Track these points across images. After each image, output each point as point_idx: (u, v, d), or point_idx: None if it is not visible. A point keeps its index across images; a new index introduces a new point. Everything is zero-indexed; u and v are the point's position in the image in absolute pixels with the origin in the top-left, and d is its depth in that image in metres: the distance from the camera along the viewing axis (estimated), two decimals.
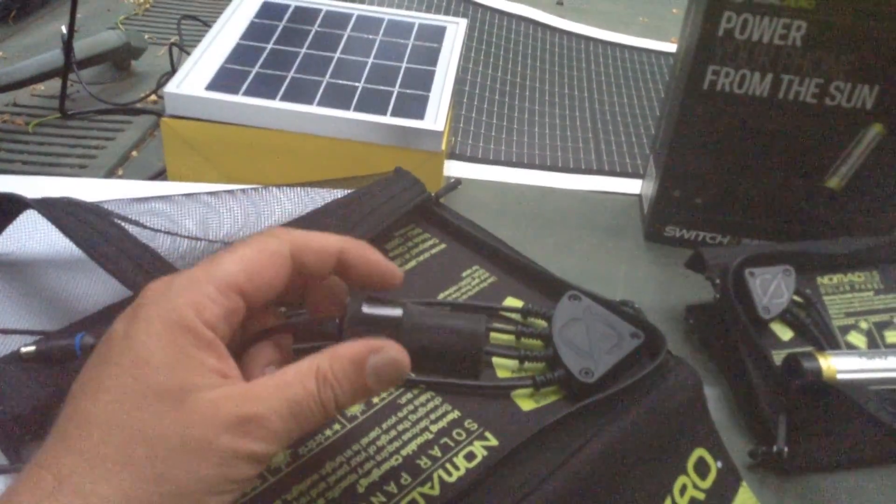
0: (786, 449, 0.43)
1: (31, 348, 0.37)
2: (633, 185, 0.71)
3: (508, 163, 0.73)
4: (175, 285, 0.27)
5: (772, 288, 0.49)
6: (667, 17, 1.14)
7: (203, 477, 0.24)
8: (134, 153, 0.73)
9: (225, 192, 0.50)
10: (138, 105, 0.79)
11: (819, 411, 0.44)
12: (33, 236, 0.46)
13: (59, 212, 0.40)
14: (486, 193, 0.68)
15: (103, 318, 0.41)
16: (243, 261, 0.28)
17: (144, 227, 0.43)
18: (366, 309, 0.31)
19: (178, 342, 0.25)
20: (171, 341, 0.25)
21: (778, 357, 0.47)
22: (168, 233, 0.44)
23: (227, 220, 0.48)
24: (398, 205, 0.47)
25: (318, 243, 0.30)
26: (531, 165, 0.73)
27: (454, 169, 0.71)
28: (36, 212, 0.41)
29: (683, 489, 0.38)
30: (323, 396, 0.27)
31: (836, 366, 0.44)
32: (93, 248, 0.39)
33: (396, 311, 0.31)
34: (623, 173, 0.74)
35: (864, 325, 0.50)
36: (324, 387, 0.27)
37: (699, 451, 0.40)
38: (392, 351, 0.28)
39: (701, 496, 0.39)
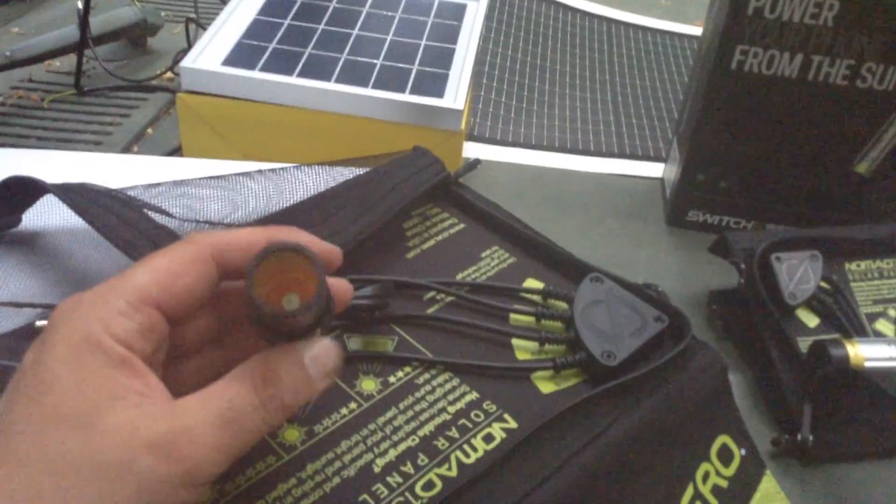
0: (811, 437, 0.42)
1: (45, 322, 0.37)
2: (654, 169, 0.70)
3: (528, 145, 0.72)
4: (83, 302, 0.24)
5: (798, 273, 0.48)
6: (689, 1, 1.12)
7: None
8: (150, 130, 0.72)
9: (239, 174, 0.49)
10: (154, 82, 0.78)
11: (845, 400, 0.43)
12: (50, 216, 0.46)
13: (76, 196, 0.40)
14: (505, 175, 0.67)
15: None
16: (156, 271, 0.25)
17: (160, 210, 0.43)
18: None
19: (85, 362, 0.23)
20: (78, 361, 0.23)
21: (804, 344, 0.46)
22: (185, 220, 0.43)
23: (243, 201, 0.48)
24: (417, 183, 0.47)
25: (242, 240, 0.28)
26: (551, 148, 0.72)
27: (473, 150, 0.70)
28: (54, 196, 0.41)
29: (706, 476, 0.38)
30: (264, 396, 0.25)
31: (864, 353, 0.43)
32: (109, 229, 0.38)
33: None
34: (644, 156, 0.72)
35: (892, 312, 0.49)
36: (263, 387, 0.25)
37: (723, 438, 0.39)
38: (325, 340, 0.27)
39: (724, 483, 0.38)
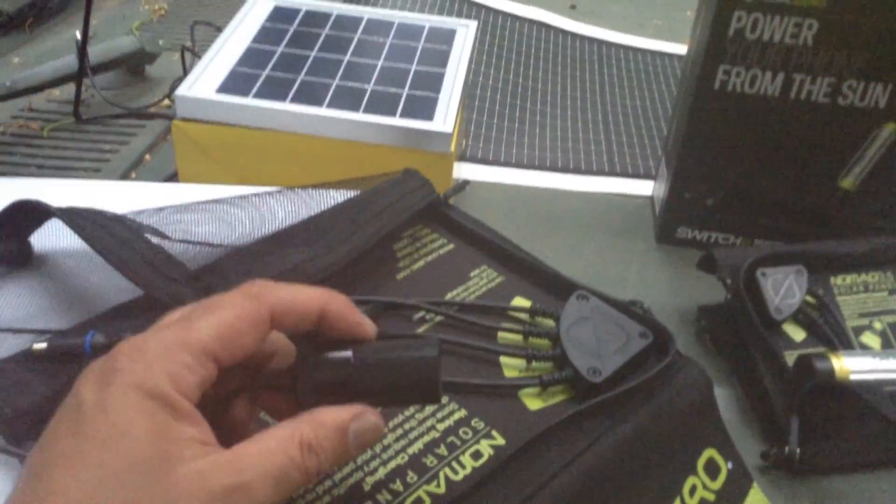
0: (798, 450, 0.42)
1: (43, 345, 0.37)
2: (644, 187, 0.71)
3: (519, 164, 0.73)
4: (149, 351, 0.26)
5: (784, 288, 0.48)
6: (681, 20, 1.14)
7: None
8: (147, 157, 0.73)
9: (233, 197, 0.50)
10: (151, 110, 0.80)
11: (832, 412, 0.44)
12: (54, 240, 0.47)
13: (80, 220, 0.41)
14: (496, 195, 0.68)
15: (113, 317, 0.41)
16: (220, 326, 0.27)
17: (159, 233, 0.43)
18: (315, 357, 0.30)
19: (156, 413, 0.24)
20: (149, 412, 0.24)
21: (790, 358, 0.46)
22: (180, 241, 0.44)
23: (238, 224, 0.49)
24: (407, 205, 0.47)
25: (300, 305, 0.29)
26: (542, 167, 0.73)
27: (465, 171, 0.71)
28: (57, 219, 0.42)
29: (693, 490, 0.38)
30: (308, 464, 0.27)
31: (850, 366, 0.43)
32: (109, 252, 0.39)
33: (346, 354, 0.30)
34: (634, 175, 0.73)
35: (878, 325, 0.49)
36: (308, 455, 0.27)
37: (709, 452, 0.40)
38: (371, 416, 0.29)
39: (711, 497, 0.38)
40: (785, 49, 0.54)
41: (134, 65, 0.86)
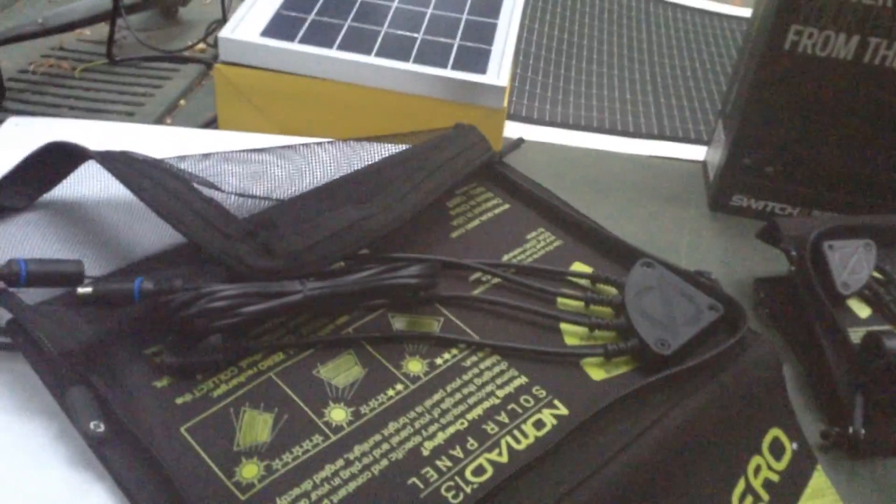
0: (863, 431, 0.41)
1: (88, 290, 0.36)
2: (695, 152, 0.68)
3: (566, 125, 0.71)
4: None
5: (851, 262, 0.46)
6: None
7: None
8: (182, 102, 0.71)
9: (282, 147, 0.48)
10: (187, 53, 0.77)
11: None
12: (88, 183, 0.45)
13: (120, 164, 0.39)
14: (542, 156, 0.66)
15: (158, 262, 0.40)
16: None
17: (207, 183, 0.42)
18: None
19: None
20: None
21: (855, 335, 0.44)
22: (232, 193, 0.42)
23: (287, 176, 0.47)
24: (465, 162, 0.45)
25: None
26: (589, 128, 0.71)
27: (510, 129, 0.69)
28: (95, 162, 0.40)
29: (758, 470, 0.37)
30: None
31: None
32: (154, 200, 0.37)
33: None
34: (686, 139, 0.71)
35: None
36: None
37: (775, 432, 0.38)
38: None
39: (775, 478, 0.37)
40: (862, 9, 0.51)
41: (167, 6, 0.83)
